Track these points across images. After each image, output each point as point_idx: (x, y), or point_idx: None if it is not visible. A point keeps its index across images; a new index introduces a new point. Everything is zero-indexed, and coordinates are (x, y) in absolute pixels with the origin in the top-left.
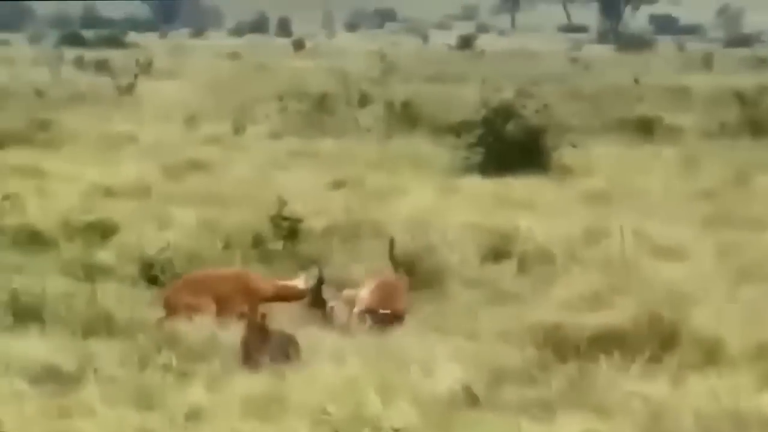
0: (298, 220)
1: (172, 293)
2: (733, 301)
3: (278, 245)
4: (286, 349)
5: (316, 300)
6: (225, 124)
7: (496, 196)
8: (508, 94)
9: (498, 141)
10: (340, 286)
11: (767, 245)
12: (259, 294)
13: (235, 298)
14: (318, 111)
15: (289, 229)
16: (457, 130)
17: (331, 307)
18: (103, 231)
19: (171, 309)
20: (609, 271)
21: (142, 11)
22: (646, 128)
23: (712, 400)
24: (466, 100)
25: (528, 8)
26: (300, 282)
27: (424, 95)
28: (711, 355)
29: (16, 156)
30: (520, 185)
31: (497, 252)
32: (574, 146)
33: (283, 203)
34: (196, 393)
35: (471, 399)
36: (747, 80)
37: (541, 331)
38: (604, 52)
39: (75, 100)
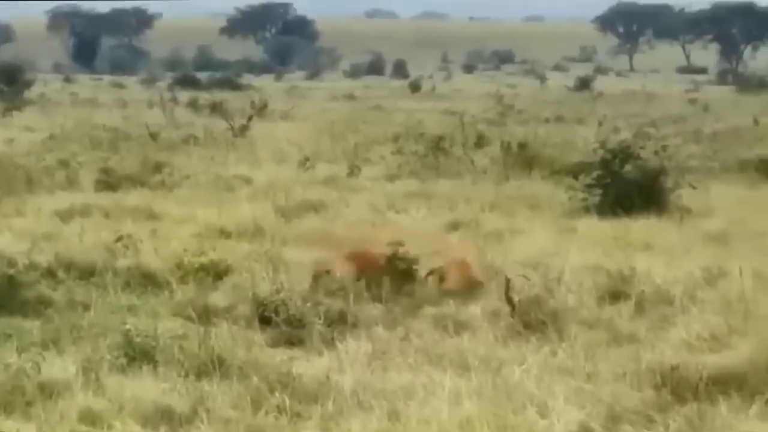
0: (414, 261)
1: None
2: None
3: (393, 286)
4: None
5: None
6: (340, 165)
7: (614, 237)
8: (626, 135)
9: (616, 182)
10: None
11: None
12: None
13: None
14: (434, 152)
15: (405, 270)
16: (575, 171)
17: None
18: (217, 272)
19: None
20: (728, 312)
21: (257, 53)
22: (766, 169)
23: None
24: (584, 141)
25: (646, 50)
26: None
27: (542, 136)
28: None
29: (130, 198)
30: (639, 226)
31: (615, 293)
32: (693, 187)
33: (398, 244)
34: None
35: None
36: None
37: (659, 372)
38: (724, 93)
39: (189, 142)
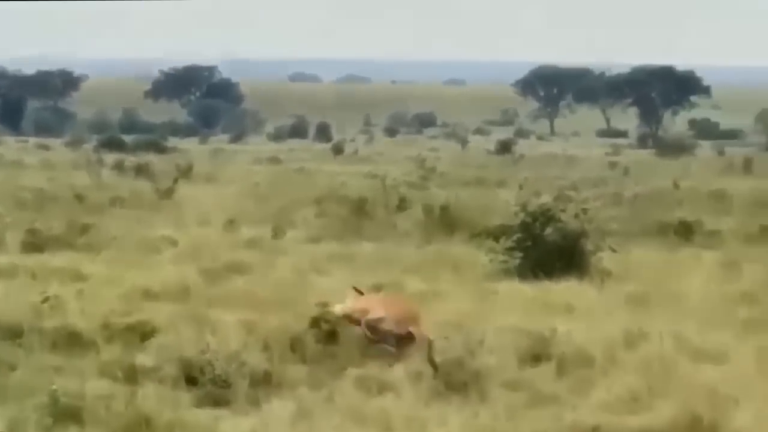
0: (338, 323)
1: None
2: None
3: (317, 347)
4: None
5: None
6: (264, 228)
7: (535, 299)
8: (547, 198)
9: (537, 245)
10: None
11: None
12: None
13: None
14: (357, 215)
15: (329, 331)
16: (496, 234)
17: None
18: (143, 333)
19: None
20: (648, 374)
21: (182, 116)
22: (685, 232)
23: None
24: (505, 204)
25: (567, 113)
26: None
27: (463, 199)
28: None
29: (56, 259)
30: (559, 289)
31: (536, 355)
32: (613, 250)
33: (324, 305)
34: None
35: None
36: None
37: None
38: (644, 156)
39: (115, 204)
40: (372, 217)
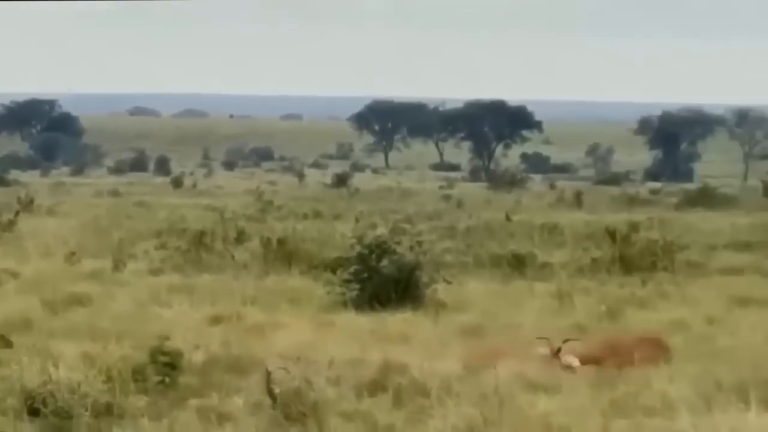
0: (178, 354)
1: None
2: None
3: (158, 378)
4: None
5: None
6: (105, 260)
7: (372, 331)
8: (382, 230)
9: (372, 277)
10: None
11: (638, 378)
12: None
13: None
14: (196, 248)
15: (168, 363)
16: (333, 266)
17: None
18: None
19: None
20: (484, 405)
21: (24, 149)
22: (518, 264)
23: None
24: (342, 236)
25: (401, 147)
26: None
27: (300, 232)
28: None
29: None
30: (395, 320)
31: (373, 386)
32: (448, 282)
33: (163, 338)
34: None
35: None
36: (617, 217)
37: None
38: (477, 189)
39: None
40: (211, 250)
